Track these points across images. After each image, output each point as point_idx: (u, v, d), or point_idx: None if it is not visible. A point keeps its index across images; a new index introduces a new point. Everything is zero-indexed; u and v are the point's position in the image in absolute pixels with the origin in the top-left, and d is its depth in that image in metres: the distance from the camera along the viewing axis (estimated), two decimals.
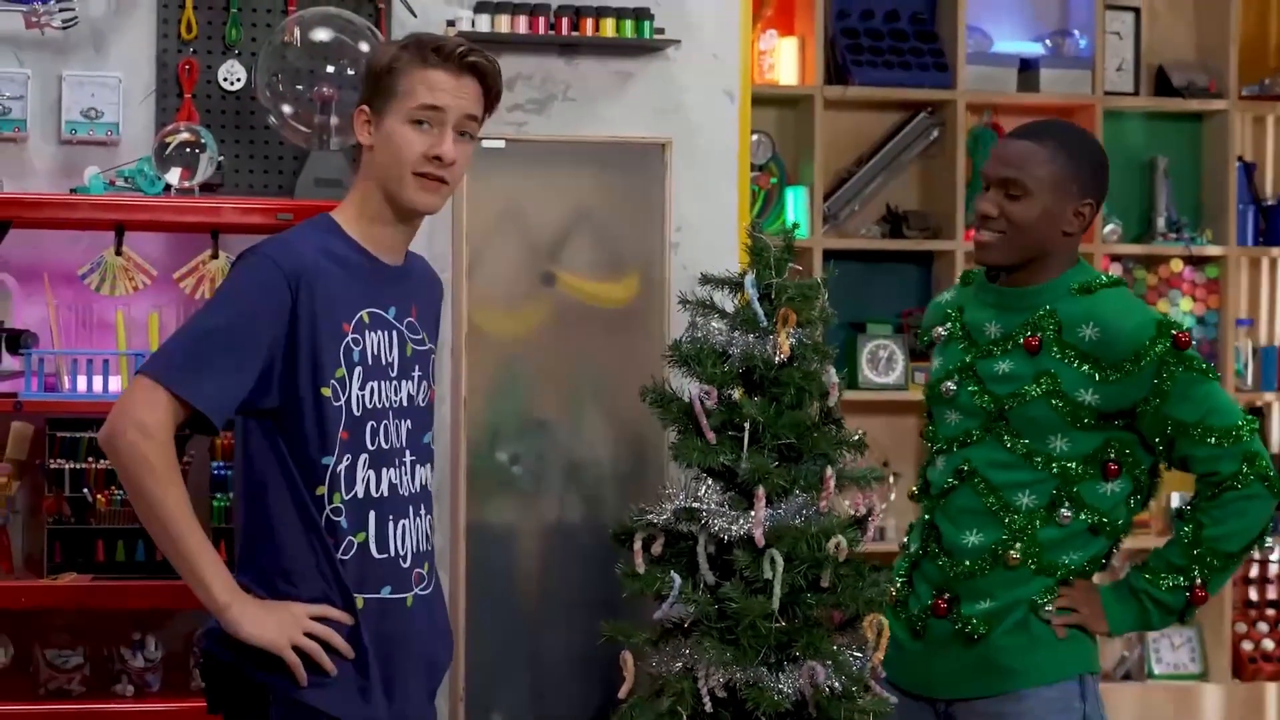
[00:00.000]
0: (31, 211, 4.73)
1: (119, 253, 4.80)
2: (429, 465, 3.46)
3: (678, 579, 3.98)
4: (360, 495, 3.31)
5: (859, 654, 3.97)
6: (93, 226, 4.82)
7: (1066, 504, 3.83)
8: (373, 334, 3.34)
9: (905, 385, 6.86)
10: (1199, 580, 3.84)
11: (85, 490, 4.80)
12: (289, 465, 3.29)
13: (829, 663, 3.93)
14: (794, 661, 3.93)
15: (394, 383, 3.37)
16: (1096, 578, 3.96)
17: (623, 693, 4.07)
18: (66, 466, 4.80)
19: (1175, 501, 7.07)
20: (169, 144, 4.81)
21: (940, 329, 4.03)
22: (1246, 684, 7.26)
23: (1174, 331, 3.80)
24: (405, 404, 3.39)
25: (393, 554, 3.35)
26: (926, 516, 3.96)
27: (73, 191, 4.80)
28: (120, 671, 4.85)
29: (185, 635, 4.93)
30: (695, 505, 3.98)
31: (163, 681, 4.88)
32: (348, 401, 3.29)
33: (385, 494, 3.34)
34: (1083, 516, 3.85)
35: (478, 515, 5.04)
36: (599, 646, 4.20)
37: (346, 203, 3.44)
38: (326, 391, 3.27)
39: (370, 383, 3.32)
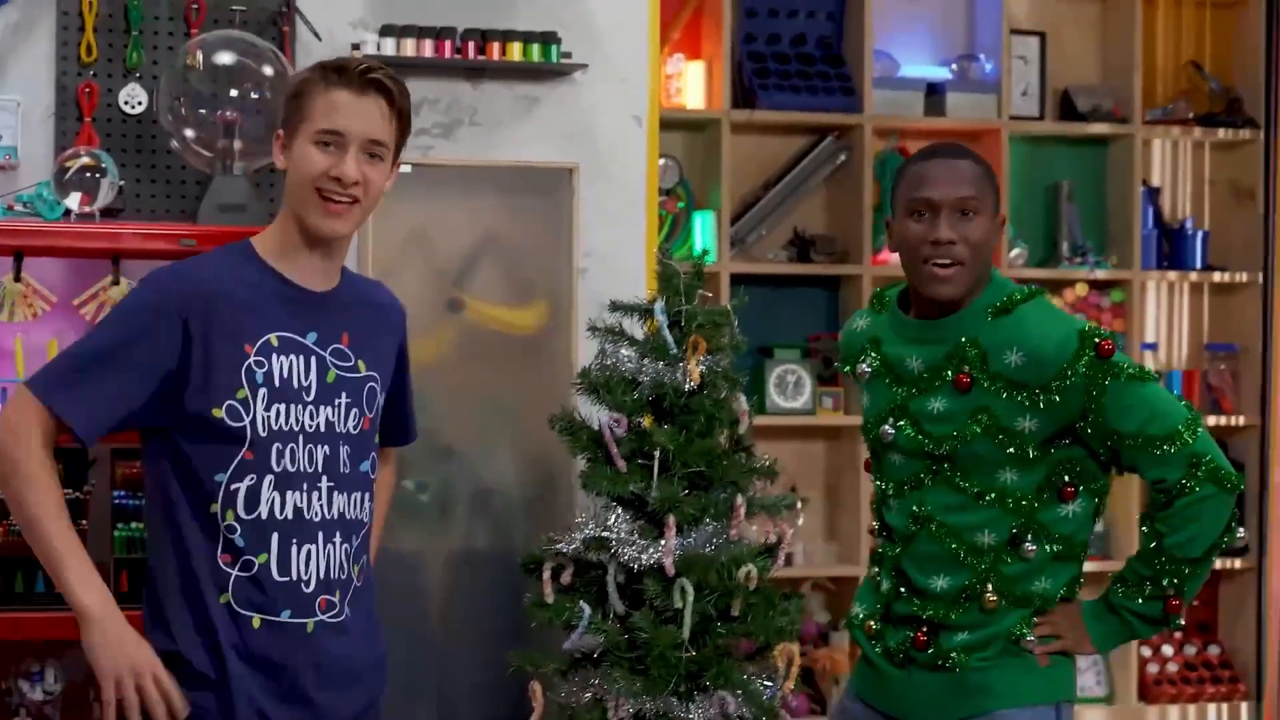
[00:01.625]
0: None
1: (18, 279, 4.73)
2: (362, 493, 3.42)
3: (587, 609, 3.95)
4: (264, 516, 3.30)
5: (769, 683, 3.95)
6: None
7: (1029, 537, 3.76)
8: (283, 358, 3.32)
9: (814, 409, 6.84)
10: (1170, 590, 3.78)
11: None
12: (183, 482, 3.30)
13: (739, 692, 3.91)
14: (704, 691, 3.91)
15: (309, 407, 3.34)
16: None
17: None
18: None
19: None
20: (69, 168, 4.74)
21: (863, 366, 3.92)
22: (1152, 706, 7.28)
23: (1097, 340, 3.69)
24: (323, 429, 3.36)
25: (294, 578, 3.32)
26: (892, 559, 3.87)
27: None
28: (18, 705, 4.78)
29: (86, 666, 4.84)
30: (605, 534, 3.95)
31: (62, 714, 4.81)
32: (252, 422, 3.28)
33: (289, 517, 3.32)
34: (1047, 546, 3.78)
35: (385, 542, 4.97)
36: (508, 676, 4.17)
37: (267, 232, 3.43)
38: (219, 413, 3.27)
39: (277, 405, 3.31)
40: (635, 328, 4.18)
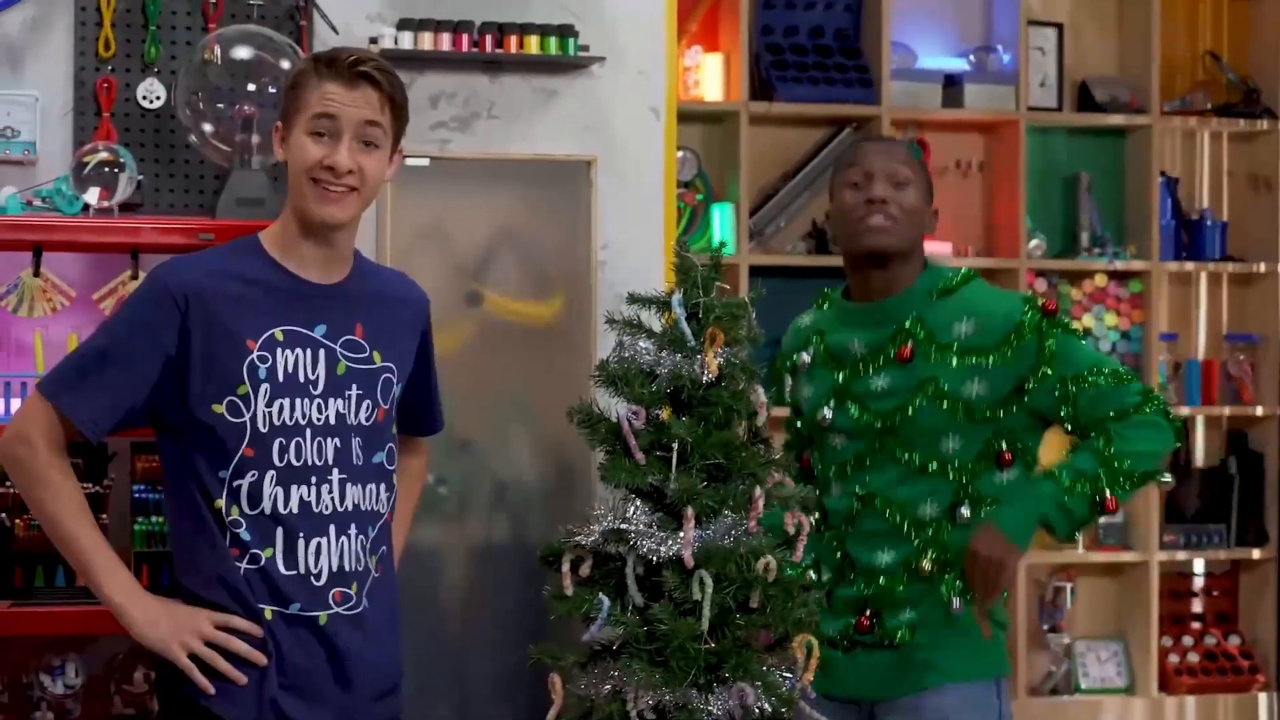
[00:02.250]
0: None
1: (37, 274, 4.74)
2: (377, 484, 3.44)
3: (606, 601, 3.94)
4: (267, 511, 3.32)
5: (788, 674, 3.95)
6: (10, 247, 4.75)
7: (966, 503, 3.90)
8: (288, 352, 3.34)
9: None
10: (1108, 491, 3.88)
11: (3, 515, 4.72)
12: (191, 478, 3.32)
13: (759, 684, 3.90)
14: (723, 683, 3.90)
15: (317, 400, 3.36)
16: None
17: (551, 716, 4.04)
18: None
19: None
20: (87, 163, 4.75)
21: (804, 354, 4.10)
22: (1173, 697, 7.27)
23: (1040, 301, 3.95)
24: (333, 422, 3.37)
25: (302, 571, 3.34)
26: (835, 544, 4.01)
27: None
28: (40, 699, 4.79)
29: (106, 660, 4.87)
30: (623, 526, 3.94)
31: (83, 708, 4.82)
32: (253, 418, 3.31)
33: (295, 511, 3.33)
34: (980, 511, 3.95)
35: (406, 535, 4.98)
36: (527, 669, 4.17)
37: (273, 227, 3.46)
38: (219, 408, 3.29)
39: (280, 400, 3.32)
40: (653, 320, 4.17)
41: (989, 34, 7.30)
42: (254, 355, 3.31)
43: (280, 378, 3.33)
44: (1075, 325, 4.00)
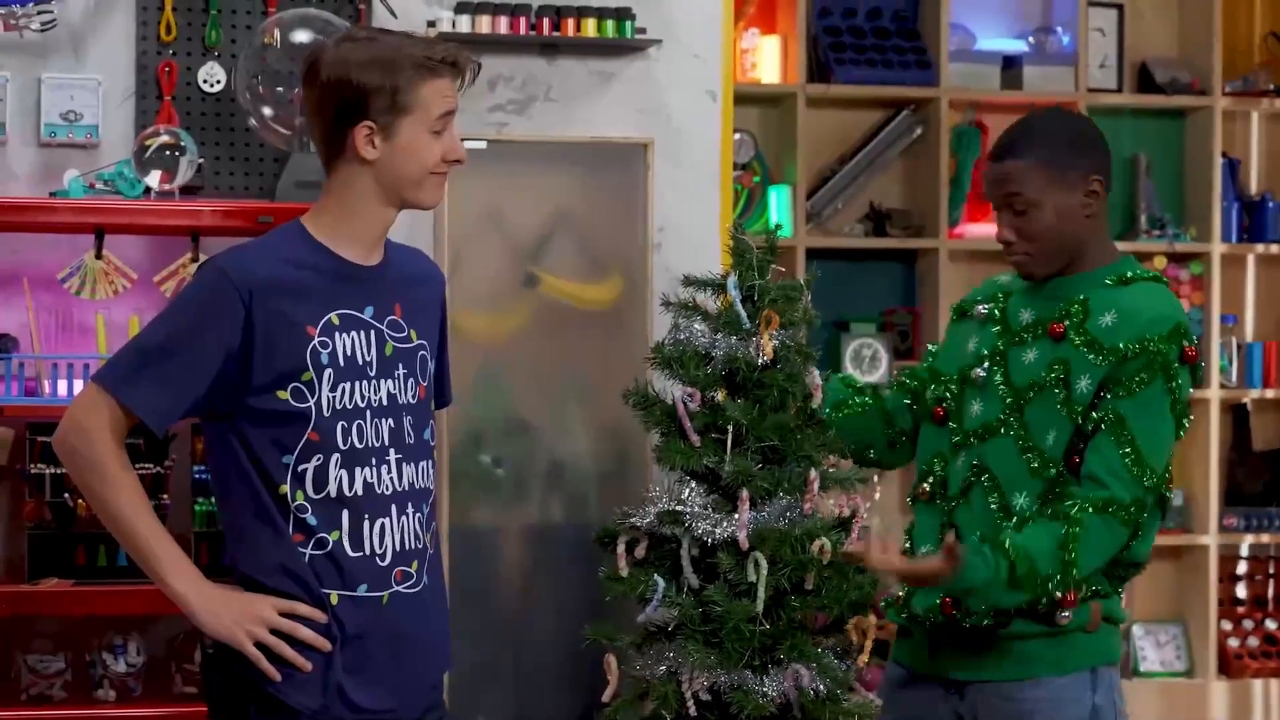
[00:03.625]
0: (11, 215, 4.71)
1: (99, 256, 4.78)
2: (426, 462, 3.46)
3: (661, 582, 3.96)
4: (333, 495, 3.31)
5: (844, 656, 3.95)
6: (72, 230, 4.80)
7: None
8: (344, 335, 3.34)
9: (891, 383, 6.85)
10: (1059, 594, 3.70)
11: (66, 495, 4.77)
12: (250, 465, 3.31)
13: (813, 665, 3.92)
14: (778, 664, 3.92)
15: (373, 382, 3.37)
16: None
17: (607, 696, 4.06)
18: (47, 471, 4.77)
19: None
20: (149, 147, 4.79)
21: (982, 307, 3.96)
22: (1232, 680, 7.26)
23: (1184, 343, 3.72)
24: (385, 402, 3.39)
25: (368, 552, 3.34)
26: (945, 515, 3.87)
27: (52, 195, 4.78)
28: (102, 677, 4.83)
29: (167, 640, 4.91)
30: (679, 508, 3.96)
31: (144, 686, 4.86)
32: (317, 403, 3.30)
33: (360, 493, 3.34)
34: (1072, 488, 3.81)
35: (461, 518, 5.02)
36: (583, 649, 4.19)
37: (317, 212, 3.43)
38: (284, 395, 3.28)
39: (343, 384, 3.32)
40: (709, 302, 4.18)
41: (1048, 15, 7.27)
42: (315, 341, 3.31)
43: (341, 361, 3.34)
44: (1184, 405, 3.78)
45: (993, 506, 3.79)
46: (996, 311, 3.92)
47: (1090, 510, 3.68)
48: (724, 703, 3.90)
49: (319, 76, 3.36)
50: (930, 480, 3.91)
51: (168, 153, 4.79)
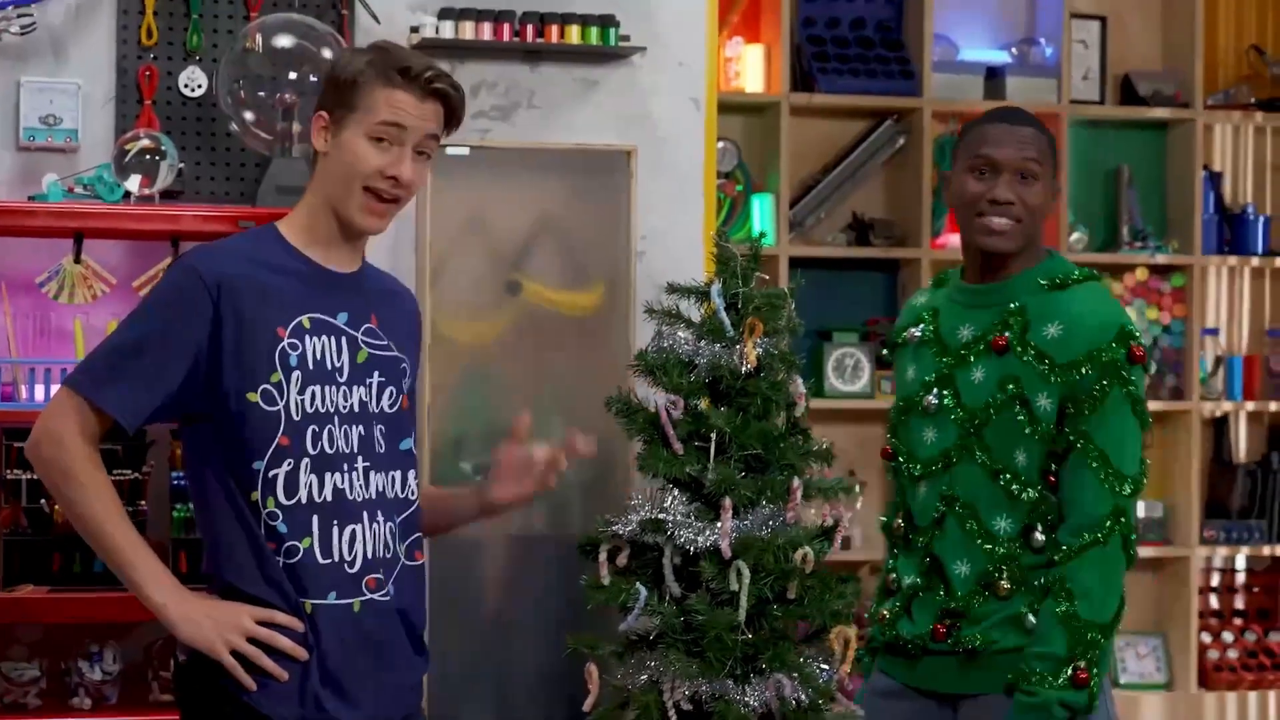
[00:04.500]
0: None
1: (78, 261, 4.75)
2: (402, 472, 3.41)
3: (643, 591, 3.95)
4: (303, 500, 3.28)
5: (825, 666, 3.94)
6: (51, 234, 4.77)
7: (1039, 527, 3.76)
8: (315, 339, 3.31)
9: (871, 393, 6.84)
10: (1082, 663, 3.66)
11: (42, 501, 4.74)
12: (224, 470, 3.28)
13: (795, 675, 3.90)
14: (760, 674, 3.90)
15: (343, 388, 3.33)
16: None
17: (588, 705, 4.04)
18: (23, 477, 4.74)
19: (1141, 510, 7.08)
20: (129, 151, 4.76)
21: (913, 330, 3.93)
22: (1212, 693, 7.25)
23: (1131, 343, 3.70)
24: (356, 409, 3.35)
25: (337, 559, 3.31)
26: (923, 549, 3.85)
27: (31, 199, 4.75)
28: (78, 685, 4.80)
29: (144, 647, 4.88)
30: (661, 516, 3.95)
31: (121, 694, 4.83)
32: (285, 406, 3.27)
33: (329, 499, 3.30)
34: (1053, 536, 3.79)
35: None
36: (564, 658, 4.17)
37: (294, 212, 3.42)
38: (253, 397, 3.25)
39: (311, 387, 3.29)
40: (692, 310, 4.17)
41: (1032, 26, 7.27)
42: (285, 342, 3.28)
43: (310, 365, 3.30)
44: (1142, 405, 3.76)
45: (971, 530, 3.76)
46: (929, 333, 3.88)
47: (1076, 562, 3.66)
48: (706, 712, 3.89)
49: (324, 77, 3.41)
50: (899, 514, 3.90)
51: (148, 157, 4.76)
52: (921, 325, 3.89)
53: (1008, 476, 3.72)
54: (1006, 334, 3.73)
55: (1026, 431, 3.71)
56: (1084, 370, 3.67)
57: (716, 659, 3.86)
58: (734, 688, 3.88)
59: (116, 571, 3.27)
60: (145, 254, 4.89)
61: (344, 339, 3.34)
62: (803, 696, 3.89)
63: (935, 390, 3.80)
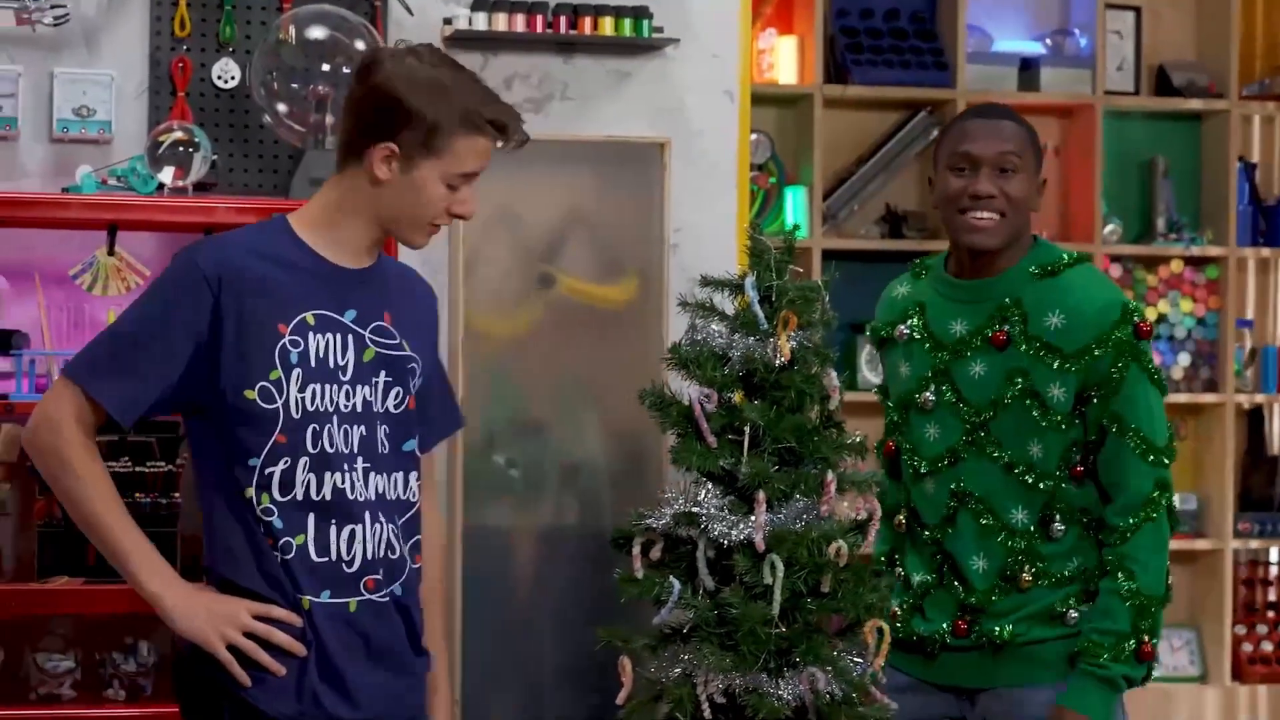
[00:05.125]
0: (22, 211, 4.69)
1: (111, 252, 4.75)
2: (403, 474, 3.38)
3: (677, 584, 3.93)
4: (299, 498, 3.25)
5: (859, 660, 3.92)
6: (85, 226, 4.78)
7: (1058, 517, 3.79)
8: (319, 336, 3.27)
9: None
10: (1147, 637, 3.75)
11: None
12: (222, 464, 3.27)
13: (829, 669, 3.88)
14: (794, 667, 3.88)
15: (345, 387, 3.30)
16: None
17: (621, 699, 4.02)
18: None
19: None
20: (162, 143, 4.77)
21: (902, 327, 3.97)
22: (1245, 686, 7.22)
23: (1136, 319, 3.76)
24: (359, 409, 3.32)
25: (334, 558, 3.28)
26: (933, 545, 3.89)
27: (64, 191, 4.76)
28: (112, 676, 4.81)
29: (173, 640, 4.88)
30: (694, 509, 3.93)
31: (155, 686, 4.84)
32: (285, 404, 3.24)
33: (329, 498, 3.27)
34: (1076, 527, 3.82)
35: (474, 518, 4.99)
36: (596, 652, 4.16)
37: (309, 210, 3.37)
38: (251, 394, 3.22)
39: (312, 385, 3.26)
40: (726, 303, 4.15)
41: (1066, 17, 7.25)
42: (286, 339, 3.24)
43: (312, 362, 3.26)
44: (1157, 371, 3.80)
45: (987, 525, 3.79)
46: (918, 331, 3.91)
47: (1132, 541, 3.73)
48: (739, 706, 3.87)
49: (371, 78, 3.30)
50: (903, 512, 3.98)
51: (181, 149, 4.76)
52: (909, 322, 3.92)
53: (1021, 468, 3.77)
54: (1006, 328, 3.76)
55: (1042, 424, 3.75)
56: (1096, 354, 3.72)
57: (750, 652, 3.84)
58: (768, 681, 3.86)
59: (111, 560, 3.25)
60: (178, 246, 4.86)
61: (350, 336, 3.31)
62: (836, 690, 3.87)
63: (932, 387, 3.85)
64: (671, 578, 3.94)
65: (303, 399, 3.25)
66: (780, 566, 3.84)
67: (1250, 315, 7.37)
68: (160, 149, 4.76)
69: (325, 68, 4.86)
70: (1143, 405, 3.76)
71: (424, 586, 3.47)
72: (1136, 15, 7.27)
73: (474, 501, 4.99)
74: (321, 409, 3.27)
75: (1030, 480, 3.78)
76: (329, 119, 4.86)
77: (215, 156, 4.87)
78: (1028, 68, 7.09)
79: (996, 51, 7.12)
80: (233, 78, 5.03)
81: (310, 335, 3.27)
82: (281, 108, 4.87)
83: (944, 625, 3.85)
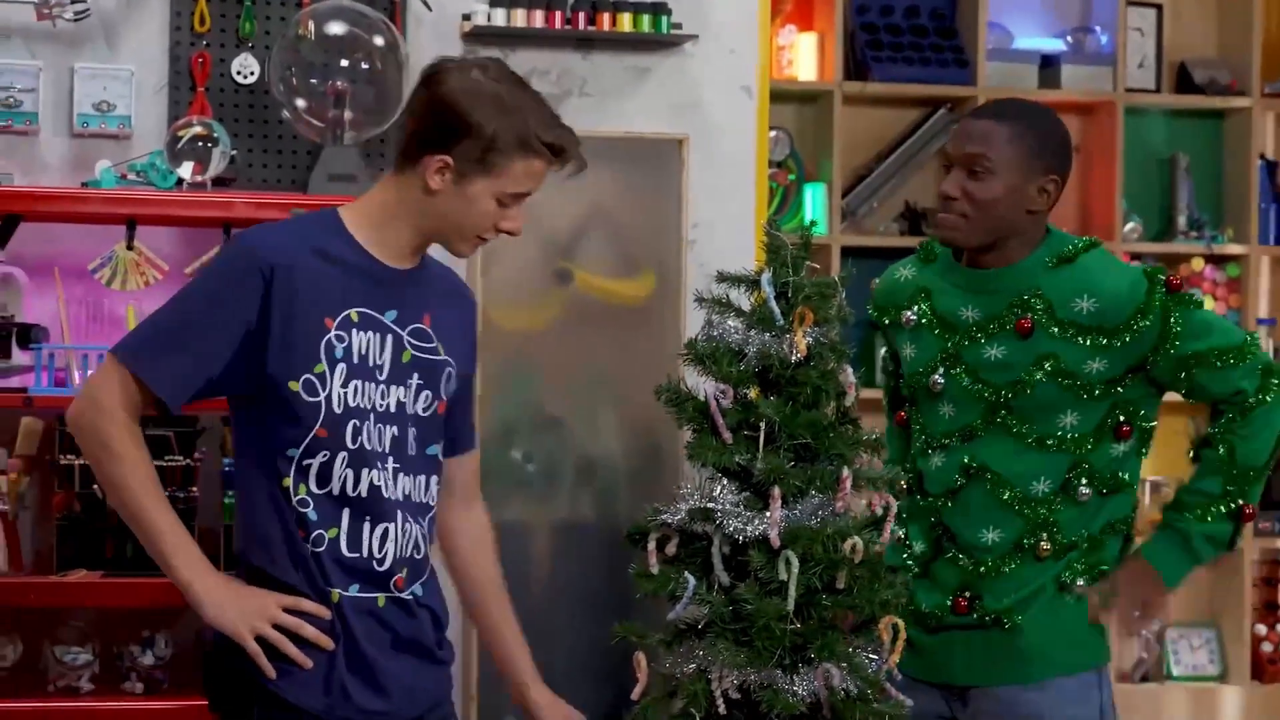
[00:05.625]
0: (42, 205, 4.71)
1: (130, 247, 4.77)
2: (427, 477, 3.39)
3: (692, 580, 3.93)
4: (335, 492, 3.27)
5: (874, 656, 3.92)
6: (104, 221, 4.79)
7: (1083, 481, 3.84)
8: (361, 334, 3.29)
9: None
10: (1242, 501, 3.84)
11: (95, 486, 4.75)
12: (261, 454, 3.28)
13: (844, 665, 3.88)
14: (809, 663, 3.88)
15: (381, 386, 3.31)
16: None
17: (636, 694, 4.02)
18: (76, 462, 4.77)
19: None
20: (181, 138, 4.78)
21: (909, 313, 4.00)
22: (1266, 685, 7.20)
23: (1162, 278, 3.83)
24: (393, 409, 3.33)
25: (365, 554, 3.30)
26: (931, 516, 3.94)
27: (84, 185, 4.78)
28: (130, 669, 4.82)
29: (196, 632, 4.90)
30: (710, 505, 3.93)
31: (172, 679, 4.85)
32: (328, 397, 3.25)
33: (364, 494, 3.29)
34: (1099, 488, 3.88)
35: (490, 513, 4.98)
36: (612, 647, 4.16)
37: (361, 206, 3.39)
38: (295, 386, 3.24)
39: (354, 381, 3.28)
40: (742, 299, 4.15)
41: (1087, 14, 7.23)
42: (332, 334, 3.26)
43: (355, 359, 3.28)
44: (1196, 298, 3.89)
45: (1004, 499, 3.82)
46: (925, 316, 3.94)
47: (1240, 416, 3.83)
48: (753, 701, 3.87)
49: (434, 87, 3.31)
50: (909, 478, 4.02)
51: (200, 144, 4.78)
52: (916, 308, 3.96)
53: (1052, 440, 3.80)
54: (1030, 316, 3.79)
55: (1084, 397, 3.80)
56: (1146, 323, 3.79)
57: (765, 648, 3.84)
58: (782, 677, 3.86)
59: (147, 545, 3.26)
60: (197, 241, 4.91)
61: (389, 337, 3.32)
62: (851, 687, 3.87)
63: (941, 370, 3.89)
64: (686, 573, 3.94)
65: (344, 394, 3.27)
66: (795, 562, 3.84)
67: (1271, 314, 7.35)
68: (179, 144, 4.77)
69: (344, 63, 4.87)
70: (1204, 329, 3.84)
71: (487, 576, 3.63)
72: (1158, 12, 7.25)
73: (490, 496, 4.92)
74: (362, 406, 3.29)
75: (1057, 448, 3.83)
76: (348, 114, 4.87)
77: (234, 152, 4.89)
78: (1048, 65, 7.07)
79: (1017, 49, 7.11)
80: (252, 73, 5.04)
81: (354, 332, 3.29)
82: (300, 103, 4.89)
83: (945, 601, 3.88)
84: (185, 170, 4.75)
